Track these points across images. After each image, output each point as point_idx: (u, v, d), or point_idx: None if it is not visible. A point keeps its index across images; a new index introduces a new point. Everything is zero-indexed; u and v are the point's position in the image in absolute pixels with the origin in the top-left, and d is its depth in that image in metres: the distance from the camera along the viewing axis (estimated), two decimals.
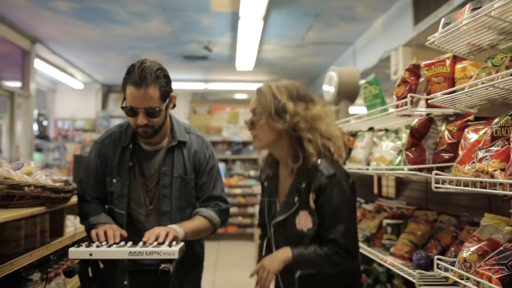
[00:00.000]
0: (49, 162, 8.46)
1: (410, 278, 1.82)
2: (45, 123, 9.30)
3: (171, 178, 1.95)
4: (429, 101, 1.74)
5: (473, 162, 1.37)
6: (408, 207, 2.49)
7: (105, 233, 1.73)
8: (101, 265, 1.81)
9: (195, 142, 2.03)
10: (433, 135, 1.79)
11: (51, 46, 6.78)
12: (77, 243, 1.69)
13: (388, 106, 2.25)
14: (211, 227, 1.95)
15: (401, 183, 2.86)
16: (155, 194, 1.96)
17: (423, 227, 2.12)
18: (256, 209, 7.50)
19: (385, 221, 2.34)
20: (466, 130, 1.56)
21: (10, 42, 5.95)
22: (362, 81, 2.81)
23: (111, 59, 7.60)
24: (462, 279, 1.43)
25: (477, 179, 1.30)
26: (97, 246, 1.60)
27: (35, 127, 8.30)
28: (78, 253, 1.57)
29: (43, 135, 9.01)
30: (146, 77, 1.77)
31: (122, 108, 1.85)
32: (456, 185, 1.44)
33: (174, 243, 1.64)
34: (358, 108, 4.47)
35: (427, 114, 1.81)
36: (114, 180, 1.95)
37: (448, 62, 1.85)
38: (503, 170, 1.23)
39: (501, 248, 1.33)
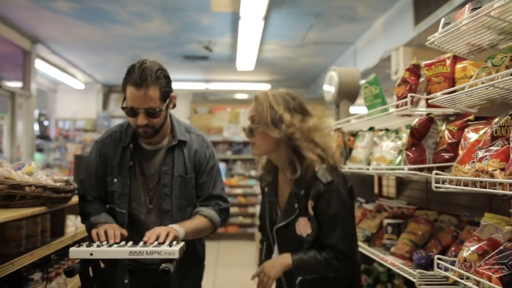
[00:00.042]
0: (50, 162, 8.47)
1: (411, 278, 1.82)
2: (46, 123, 9.32)
3: (171, 177, 1.96)
4: (429, 101, 1.74)
5: (473, 162, 1.37)
6: (409, 206, 2.49)
7: (106, 232, 1.74)
8: (102, 265, 1.82)
9: (195, 142, 2.04)
10: (433, 135, 1.79)
11: (52, 46, 6.79)
12: (78, 243, 1.70)
13: (389, 106, 2.25)
14: (211, 226, 1.96)
15: (401, 183, 2.86)
16: (156, 193, 1.97)
17: (424, 226, 2.12)
18: (256, 209, 7.50)
19: (386, 221, 2.34)
20: (466, 129, 1.56)
21: (11, 42, 5.96)
22: (362, 81, 2.81)
23: (112, 59, 7.61)
24: (462, 278, 1.43)
25: (477, 178, 1.31)
26: (98, 246, 1.60)
27: (36, 127, 8.31)
28: (78, 252, 1.57)
29: (44, 135, 9.03)
30: (146, 77, 1.77)
31: (123, 108, 1.86)
32: (456, 185, 1.44)
33: (174, 243, 1.64)
34: (358, 108, 4.47)
35: (427, 114, 1.81)
36: (115, 180, 1.96)
37: (448, 62, 1.85)
38: (503, 169, 1.23)
39: (501, 247, 1.33)
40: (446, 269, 1.58)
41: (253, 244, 7.31)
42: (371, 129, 2.55)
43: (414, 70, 1.91)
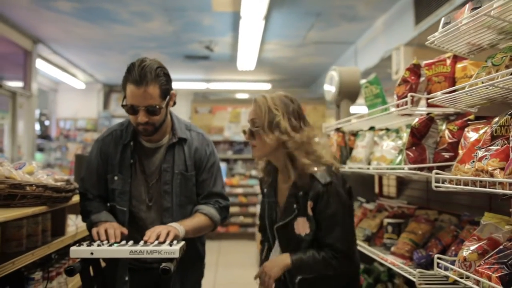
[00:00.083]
0: (51, 161, 8.49)
1: (411, 277, 1.82)
2: (47, 123, 9.33)
3: (172, 175, 1.97)
4: (429, 101, 1.75)
5: (473, 161, 1.37)
6: (409, 206, 2.49)
7: (106, 231, 1.74)
8: (103, 264, 1.82)
9: (195, 139, 2.05)
10: (434, 135, 1.79)
11: (53, 46, 6.80)
12: (79, 242, 1.70)
13: (389, 105, 2.25)
14: (212, 224, 1.97)
15: (402, 183, 2.86)
16: (156, 191, 1.98)
17: (424, 226, 2.12)
18: (257, 209, 7.50)
19: (386, 220, 2.34)
20: (466, 129, 1.56)
21: (12, 42, 5.97)
22: (363, 81, 2.81)
23: (113, 59, 7.61)
24: (462, 278, 1.43)
25: (476, 178, 1.31)
26: (98, 245, 1.61)
27: (37, 127, 8.32)
28: (79, 252, 1.58)
29: (45, 135, 9.04)
30: (146, 75, 1.78)
31: (123, 106, 1.87)
32: (456, 184, 1.44)
33: (175, 242, 1.65)
34: (359, 108, 4.47)
35: (428, 114, 1.81)
36: (116, 178, 1.96)
37: (448, 61, 1.85)
38: (502, 169, 1.23)
39: (501, 247, 1.33)
40: (446, 269, 1.58)
41: (254, 243, 7.31)
42: (372, 128, 2.55)
43: (415, 69, 1.91)
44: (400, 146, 2.10)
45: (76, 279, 2.31)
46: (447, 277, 1.58)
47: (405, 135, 2.07)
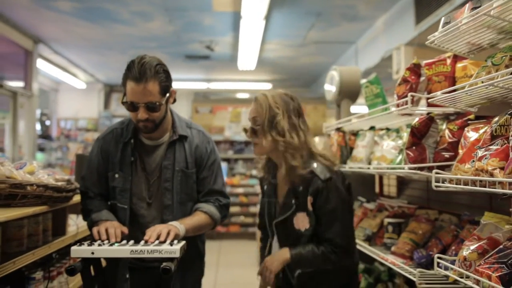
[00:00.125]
0: (52, 161, 8.49)
1: (411, 277, 1.82)
2: (47, 122, 9.34)
3: (172, 172, 1.97)
4: (429, 100, 1.75)
5: (473, 161, 1.37)
6: (409, 206, 2.49)
7: (107, 230, 1.75)
8: (104, 264, 1.82)
9: (196, 137, 2.06)
10: (434, 134, 1.79)
11: (54, 46, 6.80)
12: (79, 241, 1.70)
13: (389, 105, 2.25)
14: (212, 223, 1.97)
15: (402, 182, 2.86)
16: (157, 188, 1.98)
17: (424, 226, 2.12)
18: (258, 208, 7.49)
19: (386, 220, 2.34)
20: (466, 129, 1.56)
21: (13, 42, 5.98)
22: (363, 80, 2.81)
23: (113, 59, 7.62)
24: (462, 277, 1.43)
25: (476, 177, 1.31)
26: (99, 245, 1.61)
27: (38, 126, 8.33)
28: (80, 251, 1.58)
29: (45, 135, 9.05)
30: (145, 72, 1.79)
31: (123, 103, 1.87)
32: (456, 184, 1.44)
33: (175, 241, 1.65)
34: (359, 107, 4.47)
35: (428, 113, 1.81)
36: (116, 175, 1.97)
37: (448, 61, 1.85)
38: (502, 168, 1.23)
39: (501, 246, 1.33)
40: (446, 268, 1.58)
41: (254, 243, 7.32)
42: (372, 128, 2.55)
43: (415, 69, 1.91)
44: (400, 146, 2.10)
45: (77, 278, 2.31)
46: (447, 276, 1.58)
47: (405, 135, 2.07)
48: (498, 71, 1.31)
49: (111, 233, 1.73)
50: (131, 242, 1.67)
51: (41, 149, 8.44)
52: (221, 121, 9.42)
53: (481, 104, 1.57)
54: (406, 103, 1.80)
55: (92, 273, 1.69)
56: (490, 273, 1.25)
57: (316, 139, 2.80)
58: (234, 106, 9.53)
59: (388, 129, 2.37)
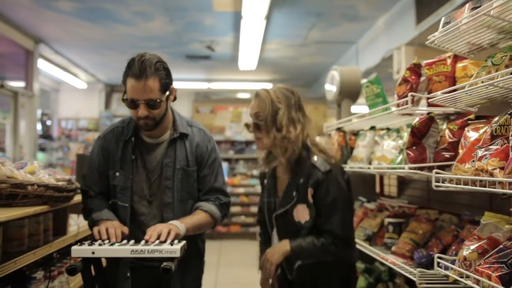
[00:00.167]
0: (53, 161, 8.49)
1: (411, 277, 1.83)
2: (48, 122, 9.34)
3: (173, 170, 1.97)
4: (429, 100, 1.75)
5: (473, 161, 1.38)
6: (410, 206, 2.50)
7: (107, 230, 1.75)
8: (104, 263, 1.83)
9: (197, 135, 2.06)
10: (434, 134, 1.80)
11: (55, 46, 6.81)
12: (80, 241, 1.71)
13: (390, 105, 2.25)
14: (212, 222, 1.98)
15: (403, 182, 2.86)
16: (157, 186, 1.98)
17: (425, 226, 2.12)
18: None
19: (387, 220, 2.35)
20: (466, 129, 1.56)
21: (14, 42, 5.99)
22: (364, 80, 2.81)
23: (114, 59, 7.62)
24: (462, 277, 1.43)
25: (476, 177, 1.31)
26: (100, 245, 1.62)
27: (39, 126, 8.33)
28: (80, 251, 1.58)
29: (46, 135, 9.05)
30: (145, 69, 1.79)
31: (123, 100, 1.87)
32: (456, 184, 1.45)
33: (176, 241, 1.65)
34: (360, 107, 4.48)
35: (428, 113, 1.81)
36: (117, 174, 1.97)
37: (449, 61, 1.86)
38: (502, 168, 1.23)
39: (501, 246, 1.33)
40: (447, 268, 1.59)
41: (255, 243, 7.31)
42: (372, 128, 2.55)
43: (415, 69, 1.91)
44: (400, 146, 2.11)
45: (78, 278, 2.32)
46: (447, 276, 1.58)
47: (406, 135, 2.08)
48: (498, 71, 1.31)
49: (111, 233, 1.73)
50: (132, 242, 1.67)
51: (42, 149, 8.45)
52: (222, 121, 9.42)
53: (481, 104, 1.58)
54: (407, 103, 1.80)
55: (93, 272, 1.70)
56: (490, 272, 1.25)
57: (317, 139, 2.80)
58: (235, 106, 9.53)
59: (388, 129, 2.37)
